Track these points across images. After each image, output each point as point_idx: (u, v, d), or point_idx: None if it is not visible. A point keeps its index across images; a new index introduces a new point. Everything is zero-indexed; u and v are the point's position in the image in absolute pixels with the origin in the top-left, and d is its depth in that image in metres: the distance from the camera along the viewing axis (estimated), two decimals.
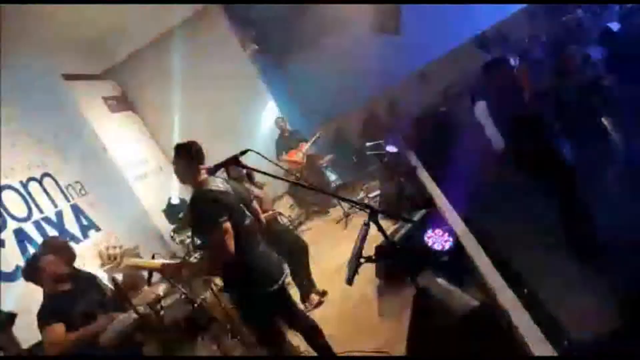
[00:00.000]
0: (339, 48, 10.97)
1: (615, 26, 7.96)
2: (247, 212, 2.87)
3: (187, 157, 2.76)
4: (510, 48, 9.47)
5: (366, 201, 7.17)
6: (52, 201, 5.75)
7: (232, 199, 2.74)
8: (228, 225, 2.57)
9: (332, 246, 6.11)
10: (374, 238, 2.69)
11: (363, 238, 2.56)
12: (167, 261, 3.05)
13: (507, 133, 4.34)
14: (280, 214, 5.34)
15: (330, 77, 11.30)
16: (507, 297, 2.55)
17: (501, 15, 11.28)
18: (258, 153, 2.67)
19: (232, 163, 2.62)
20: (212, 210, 2.59)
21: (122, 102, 8.77)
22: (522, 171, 4.14)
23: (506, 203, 5.08)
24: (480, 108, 5.66)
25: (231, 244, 2.57)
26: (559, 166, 3.79)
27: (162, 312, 3.23)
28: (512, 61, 7.46)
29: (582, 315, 2.93)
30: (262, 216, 3.13)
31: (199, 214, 2.66)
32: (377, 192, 6.90)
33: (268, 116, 8.84)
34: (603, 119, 5.06)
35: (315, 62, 11.57)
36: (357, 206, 2.61)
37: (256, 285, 2.76)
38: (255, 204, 3.04)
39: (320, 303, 4.63)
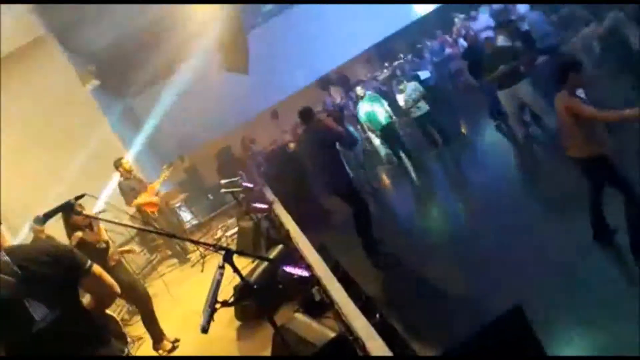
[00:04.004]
0: (187, 85, 10.80)
1: (424, 74, 9.83)
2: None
3: None
4: (350, 89, 10.40)
5: (224, 239, 6.98)
6: None
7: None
8: None
9: (189, 290, 5.80)
10: (232, 279, 2.60)
11: (218, 282, 2.42)
12: None
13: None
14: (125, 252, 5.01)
15: (179, 113, 11.01)
16: (360, 325, 2.65)
17: (342, 59, 12.32)
18: (96, 198, 2.43)
19: (65, 210, 2.31)
20: None
21: None
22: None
23: None
24: None
25: None
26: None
27: None
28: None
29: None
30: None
31: None
32: (235, 229, 6.78)
33: (112, 154, 8.05)
34: None
35: (162, 98, 11.19)
36: (210, 248, 2.45)
37: None
38: (95, 272, 1.97)
39: (173, 348, 4.56)
